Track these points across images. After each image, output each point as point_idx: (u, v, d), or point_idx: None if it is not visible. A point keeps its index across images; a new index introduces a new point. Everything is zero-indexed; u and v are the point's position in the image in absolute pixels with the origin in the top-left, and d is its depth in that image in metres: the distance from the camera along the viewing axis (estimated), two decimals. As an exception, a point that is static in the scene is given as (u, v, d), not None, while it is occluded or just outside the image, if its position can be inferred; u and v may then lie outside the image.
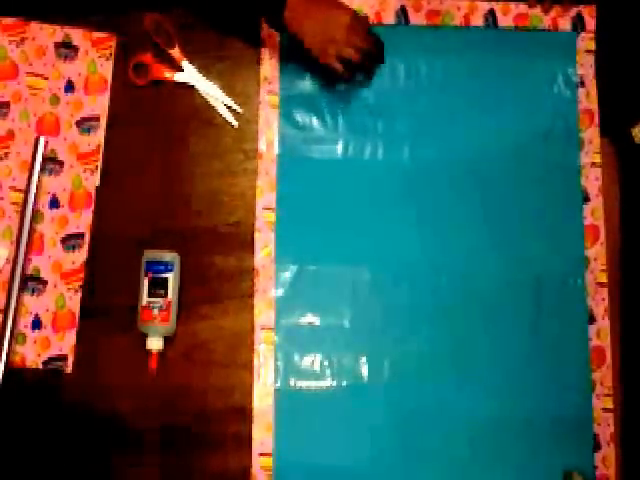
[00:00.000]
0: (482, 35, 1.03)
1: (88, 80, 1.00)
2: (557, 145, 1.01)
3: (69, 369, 0.93)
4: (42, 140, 0.96)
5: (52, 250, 0.96)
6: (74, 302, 0.95)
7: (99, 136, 0.99)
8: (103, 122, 0.99)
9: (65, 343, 0.94)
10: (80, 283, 0.95)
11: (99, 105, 0.99)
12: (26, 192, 0.94)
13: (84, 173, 0.98)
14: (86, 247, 0.96)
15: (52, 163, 0.98)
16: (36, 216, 0.96)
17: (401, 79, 1.01)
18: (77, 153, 0.98)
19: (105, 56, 1.00)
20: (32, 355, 0.93)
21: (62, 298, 0.95)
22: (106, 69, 1.00)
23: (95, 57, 1.00)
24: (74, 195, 0.97)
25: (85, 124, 0.99)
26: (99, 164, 0.98)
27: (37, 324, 0.94)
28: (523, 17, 1.03)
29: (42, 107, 0.99)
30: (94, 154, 0.98)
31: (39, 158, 0.95)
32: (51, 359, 0.93)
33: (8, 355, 0.90)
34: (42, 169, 0.96)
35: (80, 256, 0.96)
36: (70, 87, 0.99)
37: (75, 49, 1.00)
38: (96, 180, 0.98)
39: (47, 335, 0.94)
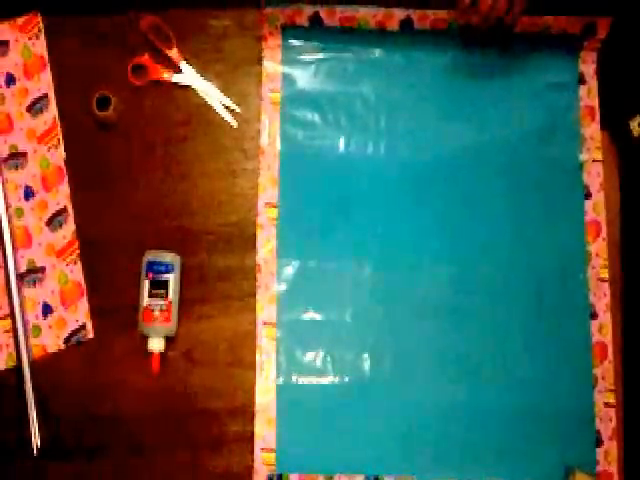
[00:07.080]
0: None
1: (26, 66, 0.98)
2: (558, 142, 0.99)
3: (90, 334, 0.92)
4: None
5: (40, 237, 0.94)
6: (76, 273, 0.93)
7: (52, 110, 0.97)
8: (51, 96, 0.97)
9: (79, 313, 0.92)
10: (77, 252, 0.94)
11: (43, 82, 0.98)
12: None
13: (49, 152, 0.96)
14: (72, 219, 0.94)
15: (15, 158, 0.96)
16: (16, 213, 0.95)
17: (403, 76, 1.00)
18: (36, 137, 0.97)
19: (35, 35, 0.99)
20: (51, 340, 0.92)
21: (64, 275, 0.93)
22: (39, 47, 0.99)
23: (26, 41, 0.99)
24: (45, 176, 0.96)
25: (35, 106, 0.97)
26: (59, 136, 0.97)
27: (47, 309, 0.93)
28: (532, 27, 0.99)
29: (-11, 109, 0.97)
30: (52, 129, 0.97)
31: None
32: (71, 334, 0.92)
33: (30, 360, 0.91)
34: (7, 168, 0.95)
35: (68, 228, 0.94)
36: (11, 79, 0.98)
37: (5, 44, 0.99)
38: (61, 152, 0.96)
39: (60, 315, 0.92)
